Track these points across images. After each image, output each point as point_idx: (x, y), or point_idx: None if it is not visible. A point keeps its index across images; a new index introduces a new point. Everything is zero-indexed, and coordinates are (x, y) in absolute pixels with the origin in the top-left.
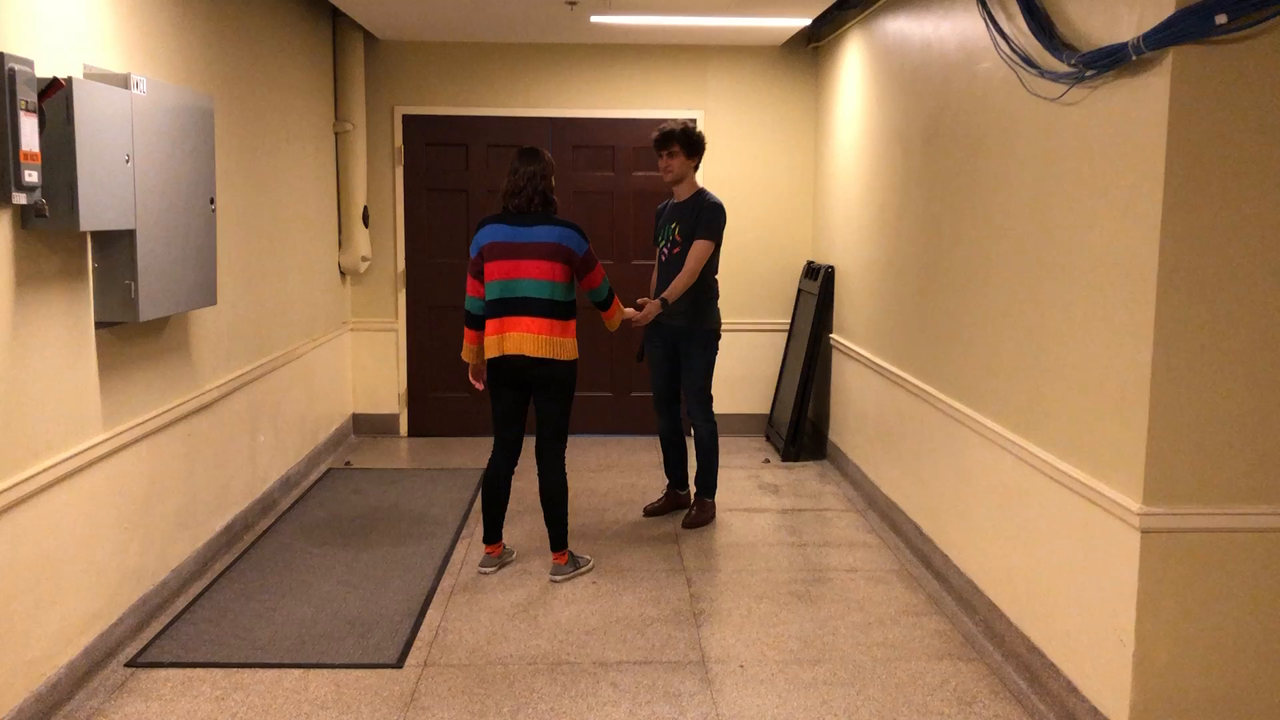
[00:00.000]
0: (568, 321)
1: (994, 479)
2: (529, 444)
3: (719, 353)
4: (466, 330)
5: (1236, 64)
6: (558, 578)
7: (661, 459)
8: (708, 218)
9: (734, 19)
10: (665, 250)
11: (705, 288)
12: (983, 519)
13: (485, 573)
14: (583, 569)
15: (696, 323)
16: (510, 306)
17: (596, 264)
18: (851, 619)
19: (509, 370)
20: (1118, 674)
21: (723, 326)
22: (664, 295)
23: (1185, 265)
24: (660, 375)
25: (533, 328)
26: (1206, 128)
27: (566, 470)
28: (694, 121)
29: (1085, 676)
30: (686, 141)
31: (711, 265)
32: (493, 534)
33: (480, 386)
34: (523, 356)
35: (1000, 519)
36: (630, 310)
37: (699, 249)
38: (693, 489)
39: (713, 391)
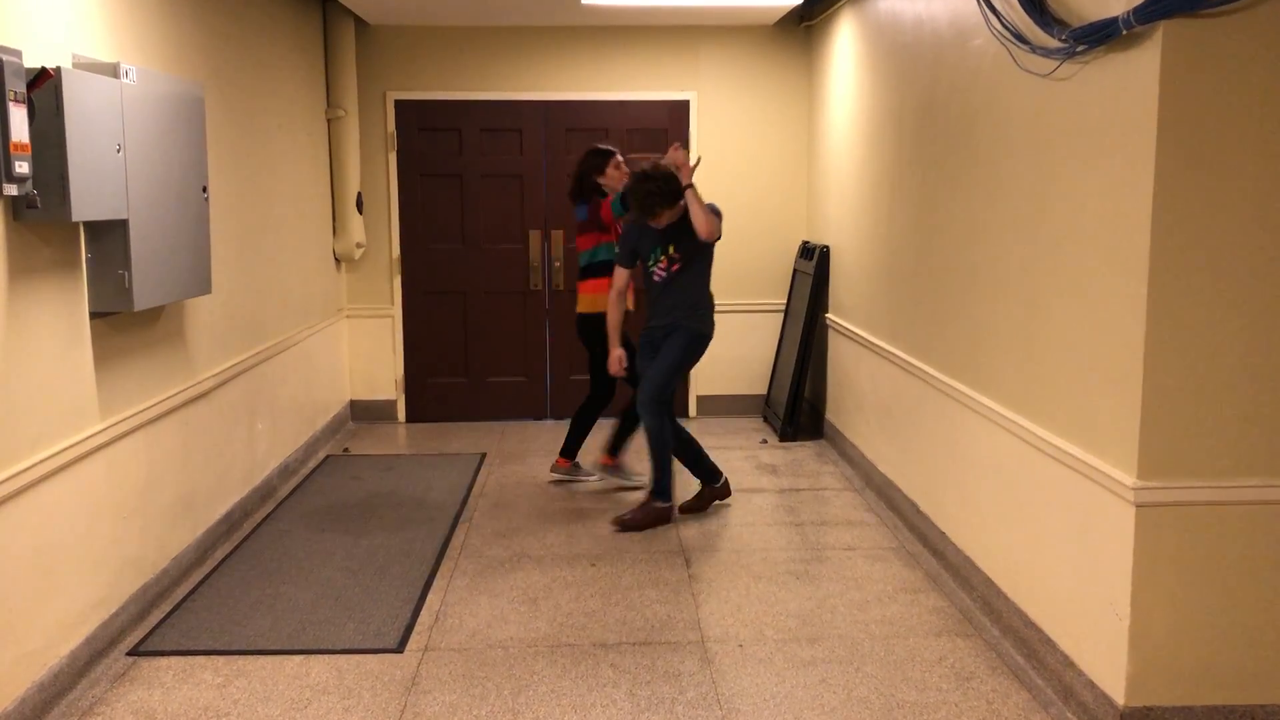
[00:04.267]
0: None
1: (990, 456)
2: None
3: (706, 352)
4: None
5: (1227, 37)
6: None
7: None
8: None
9: None
10: (663, 270)
11: (705, 296)
12: (979, 496)
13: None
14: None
15: (690, 322)
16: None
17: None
18: (849, 597)
19: None
20: (1114, 647)
21: (717, 312)
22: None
23: (1177, 240)
24: None
25: None
26: (1197, 102)
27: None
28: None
29: (1082, 650)
30: (670, 196)
31: (708, 276)
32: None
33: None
34: None
35: (997, 495)
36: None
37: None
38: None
39: (706, 374)
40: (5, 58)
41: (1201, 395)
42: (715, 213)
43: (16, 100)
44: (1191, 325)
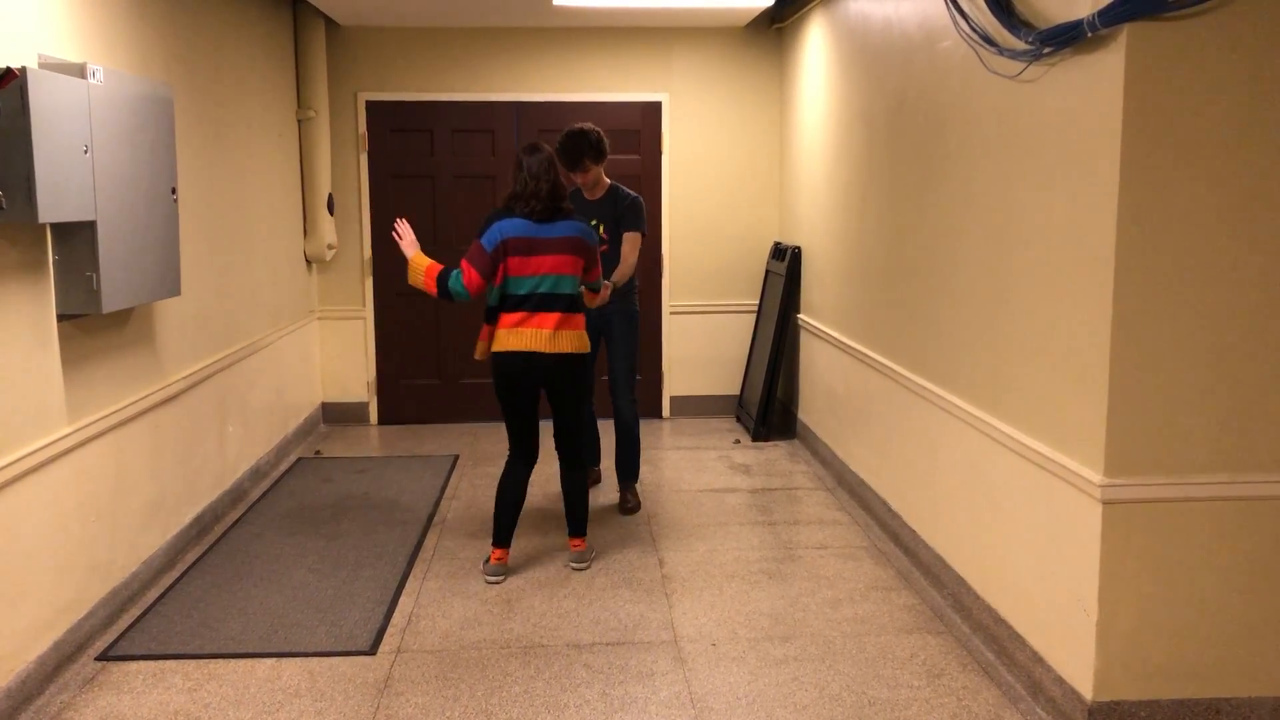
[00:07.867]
0: (580, 315)
1: (960, 454)
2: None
3: (680, 332)
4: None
5: (1190, 39)
6: (580, 565)
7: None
8: (634, 213)
9: (696, 0)
10: None
11: (632, 279)
12: (949, 494)
13: (493, 582)
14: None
15: (624, 304)
16: (536, 302)
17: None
18: (822, 595)
19: (526, 368)
20: (1082, 643)
21: (689, 313)
22: (612, 280)
23: (1142, 240)
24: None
25: (559, 324)
26: (1161, 103)
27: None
28: (594, 128)
29: (1051, 646)
30: (596, 152)
31: None
32: (505, 538)
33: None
34: (551, 354)
35: (966, 494)
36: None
37: (634, 240)
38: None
39: (679, 375)
40: None
41: (1167, 393)
42: (641, 227)
43: None
44: (1157, 324)
